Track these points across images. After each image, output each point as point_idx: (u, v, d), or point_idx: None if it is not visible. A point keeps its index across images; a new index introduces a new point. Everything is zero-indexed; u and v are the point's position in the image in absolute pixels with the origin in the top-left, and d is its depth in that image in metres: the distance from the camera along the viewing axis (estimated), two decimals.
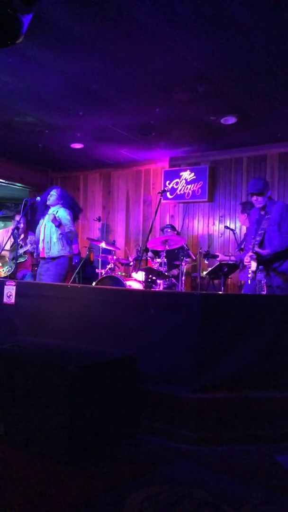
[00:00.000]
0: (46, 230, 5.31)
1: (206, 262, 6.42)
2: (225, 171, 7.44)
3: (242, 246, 5.65)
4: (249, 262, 4.43)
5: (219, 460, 2.72)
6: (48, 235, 5.25)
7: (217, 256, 6.16)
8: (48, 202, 5.44)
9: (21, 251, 6.32)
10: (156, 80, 4.80)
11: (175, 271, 6.68)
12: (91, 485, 2.31)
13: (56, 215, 5.25)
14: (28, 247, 6.15)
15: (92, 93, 5.15)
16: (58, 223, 5.16)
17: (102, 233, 8.73)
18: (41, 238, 5.37)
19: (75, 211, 5.48)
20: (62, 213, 5.31)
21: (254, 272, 4.40)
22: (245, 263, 4.55)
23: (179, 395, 3.02)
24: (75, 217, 5.49)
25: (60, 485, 2.32)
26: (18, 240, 5.92)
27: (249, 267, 4.44)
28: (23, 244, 6.42)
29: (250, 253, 4.38)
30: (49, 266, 5.24)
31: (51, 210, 5.41)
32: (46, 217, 5.41)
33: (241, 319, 3.30)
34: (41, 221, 5.52)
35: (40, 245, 5.38)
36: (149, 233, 5.70)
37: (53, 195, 5.42)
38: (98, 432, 2.72)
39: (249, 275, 4.49)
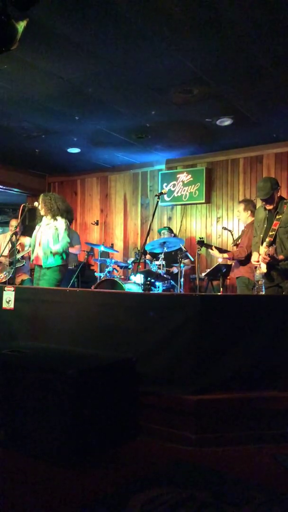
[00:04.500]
0: (43, 238, 5.27)
1: (199, 251, 6.34)
2: (222, 172, 7.45)
3: (238, 242, 5.63)
4: (258, 262, 4.30)
5: (219, 460, 2.72)
6: (46, 244, 5.22)
7: (211, 246, 6.06)
8: (41, 213, 5.41)
9: (18, 256, 6.31)
10: (152, 83, 4.81)
11: (174, 269, 6.69)
12: (92, 488, 2.32)
13: (54, 227, 5.24)
14: (26, 252, 6.16)
15: (88, 97, 5.17)
16: (54, 252, 5.19)
17: (100, 237, 8.74)
18: (37, 245, 5.33)
19: (69, 218, 5.44)
20: (61, 225, 5.28)
21: (264, 277, 4.27)
22: (253, 262, 4.44)
23: (179, 396, 3.02)
24: (70, 221, 5.47)
25: (61, 488, 2.32)
26: (16, 245, 5.90)
27: (258, 268, 4.32)
28: (20, 250, 6.42)
29: (264, 256, 4.19)
30: (46, 272, 5.23)
31: (47, 219, 5.37)
32: (44, 225, 5.37)
33: (240, 320, 3.31)
34: (37, 227, 5.48)
35: (36, 252, 5.33)
36: (147, 236, 5.70)
37: (40, 205, 5.37)
38: (98, 434, 2.73)
39: (257, 274, 4.37)
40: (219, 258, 5.85)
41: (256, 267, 4.40)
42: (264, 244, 4.25)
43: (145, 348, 3.29)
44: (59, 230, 5.22)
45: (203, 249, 6.54)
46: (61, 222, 5.26)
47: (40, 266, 5.28)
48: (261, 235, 4.43)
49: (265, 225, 4.44)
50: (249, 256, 5.19)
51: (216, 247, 5.93)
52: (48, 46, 4.06)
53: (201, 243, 6.25)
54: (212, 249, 5.83)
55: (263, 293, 4.50)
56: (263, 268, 4.27)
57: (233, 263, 5.64)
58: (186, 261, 6.68)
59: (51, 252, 5.18)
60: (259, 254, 4.34)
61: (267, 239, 4.23)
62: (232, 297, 4.57)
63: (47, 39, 3.93)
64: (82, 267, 7.10)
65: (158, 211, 7.92)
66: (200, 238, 6.85)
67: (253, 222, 5.51)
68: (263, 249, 4.27)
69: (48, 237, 5.21)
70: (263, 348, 3.29)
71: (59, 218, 5.28)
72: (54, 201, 5.34)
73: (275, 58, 4.23)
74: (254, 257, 4.44)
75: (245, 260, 5.29)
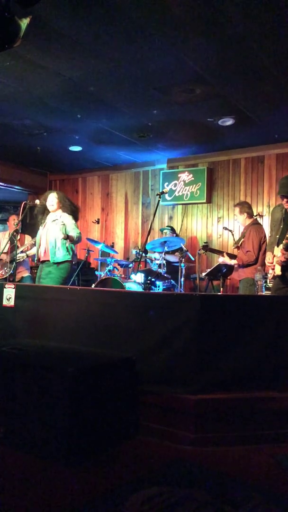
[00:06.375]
0: (50, 235, 5.27)
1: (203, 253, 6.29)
2: (223, 172, 7.45)
3: (239, 245, 5.61)
4: (273, 263, 4.26)
5: (218, 460, 2.72)
6: (52, 240, 5.22)
7: (222, 252, 5.99)
8: (50, 209, 5.41)
9: (18, 251, 6.31)
10: (154, 82, 4.81)
11: (172, 257, 6.67)
12: (91, 487, 2.32)
13: (61, 223, 5.26)
14: (25, 247, 6.18)
15: (90, 95, 5.17)
16: (65, 236, 5.19)
17: (101, 235, 8.74)
18: (43, 242, 5.34)
19: (76, 214, 5.48)
20: (68, 220, 5.30)
21: (278, 277, 4.23)
22: (267, 263, 4.41)
23: (178, 396, 3.02)
24: (76, 220, 5.51)
25: (61, 486, 2.32)
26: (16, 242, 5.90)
27: (272, 269, 4.29)
28: (19, 245, 6.41)
29: (281, 258, 4.13)
30: (51, 270, 5.22)
31: (54, 216, 5.38)
32: (49, 222, 5.38)
33: (240, 319, 3.30)
34: (41, 226, 5.49)
35: (42, 249, 5.34)
36: (148, 235, 5.70)
37: (53, 201, 5.40)
38: (98, 433, 2.73)
39: (257, 275, 4.35)
40: (219, 258, 5.83)
41: (262, 267, 4.37)
42: (281, 246, 4.20)
43: (145, 347, 3.29)
44: (67, 225, 5.25)
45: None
46: (68, 217, 5.31)
47: (46, 262, 5.28)
48: (277, 236, 4.37)
49: (281, 226, 4.38)
50: (256, 259, 5.20)
51: (227, 253, 5.85)
52: (50, 44, 4.06)
53: (205, 247, 6.21)
54: (223, 255, 5.75)
55: (263, 293, 4.50)
56: (278, 270, 4.23)
57: (236, 265, 5.63)
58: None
59: (59, 248, 5.20)
60: (274, 255, 4.30)
61: (284, 241, 4.18)
62: (232, 297, 4.57)
63: (49, 37, 3.92)
64: (83, 266, 7.11)
65: (159, 211, 7.92)
66: (204, 242, 6.82)
67: (252, 223, 5.52)
68: (278, 250, 4.23)
69: (56, 233, 5.23)
70: (263, 348, 3.29)
71: (66, 214, 5.33)
72: (67, 199, 5.51)
73: (277, 58, 4.22)
74: (269, 258, 4.39)
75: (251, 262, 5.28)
